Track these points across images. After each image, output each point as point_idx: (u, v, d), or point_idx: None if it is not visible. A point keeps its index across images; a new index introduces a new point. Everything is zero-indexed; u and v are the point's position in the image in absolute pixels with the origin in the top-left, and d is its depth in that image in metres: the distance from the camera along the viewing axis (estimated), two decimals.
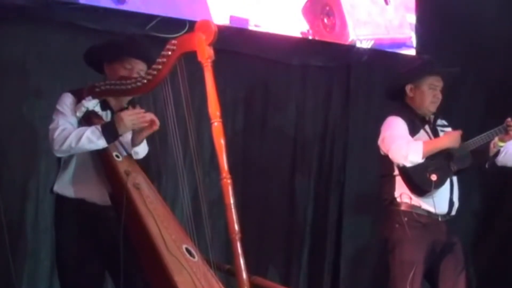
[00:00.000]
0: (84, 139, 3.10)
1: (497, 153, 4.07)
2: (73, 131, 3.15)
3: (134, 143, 3.28)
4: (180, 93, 2.86)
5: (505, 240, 5.33)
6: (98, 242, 3.23)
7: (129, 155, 3.29)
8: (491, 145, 4.05)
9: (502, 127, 3.98)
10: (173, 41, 2.91)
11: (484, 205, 5.51)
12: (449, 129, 4.14)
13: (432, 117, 4.12)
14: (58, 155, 3.23)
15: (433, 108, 4.05)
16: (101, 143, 3.13)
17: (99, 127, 3.15)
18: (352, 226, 5.21)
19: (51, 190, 3.35)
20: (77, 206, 3.25)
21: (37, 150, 4.16)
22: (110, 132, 3.13)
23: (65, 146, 3.14)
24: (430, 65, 4.11)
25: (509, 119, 3.98)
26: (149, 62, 3.13)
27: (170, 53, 2.91)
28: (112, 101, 3.35)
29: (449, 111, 4.33)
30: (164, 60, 2.93)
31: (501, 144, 4.04)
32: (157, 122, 3.19)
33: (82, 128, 3.15)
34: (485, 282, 5.38)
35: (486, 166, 4.12)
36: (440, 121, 4.16)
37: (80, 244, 3.22)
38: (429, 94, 4.02)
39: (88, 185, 3.24)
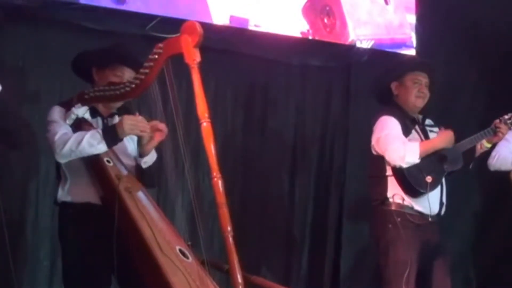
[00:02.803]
0: (84, 143, 3.09)
1: (483, 154, 4.05)
2: (72, 135, 3.13)
3: (144, 152, 3.26)
4: (178, 96, 2.87)
5: (505, 240, 5.33)
6: (104, 245, 3.12)
7: (125, 168, 3.27)
8: (478, 147, 4.05)
9: (491, 129, 3.98)
10: (160, 45, 2.93)
11: (484, 205, 5.50)
12: (436, 129, 4.12)
13: (420, 117, 4.11)
14: (60, 159, 3.19)
15: (419, 103, 4.02)
16: (102, 147, 3.11)
17: (99, 130, 3.14)
18: (352, 226, 5.20)
19: (55, 202, 3.32)
20: (83, 209, 3.22)
21: (37, 150, 4.16)
22: (111, 135, 3.12)
23: (65, 150, 3.11)
24: (411, 61, 4.09)
25: (497, 120, 3.98)
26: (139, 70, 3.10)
27: (157, 56, 2.92)
28: (101, 108, 3.33)
29: (449, 111, 4.33)
30: (151, 64, 2.93)
31: (487, 145, 4.04)
32: (165, 131, 3.18)
33: (82, 132, 3.14)
34: (485, 282, 5.38)
35: (470, 167, 4.11)
36: (427, 121, 4.14)
37: (88, 251, 3.16)
38: (413, 88, 4.00)
39: (88, 188, 3.22)
